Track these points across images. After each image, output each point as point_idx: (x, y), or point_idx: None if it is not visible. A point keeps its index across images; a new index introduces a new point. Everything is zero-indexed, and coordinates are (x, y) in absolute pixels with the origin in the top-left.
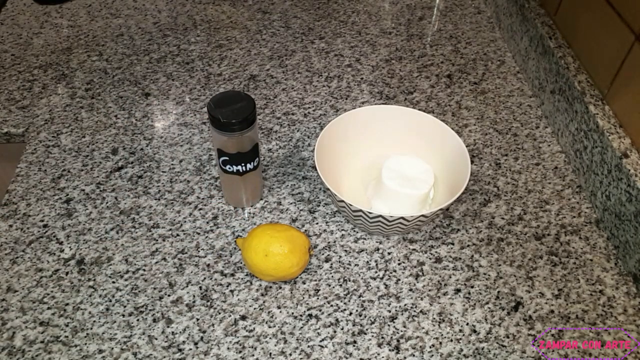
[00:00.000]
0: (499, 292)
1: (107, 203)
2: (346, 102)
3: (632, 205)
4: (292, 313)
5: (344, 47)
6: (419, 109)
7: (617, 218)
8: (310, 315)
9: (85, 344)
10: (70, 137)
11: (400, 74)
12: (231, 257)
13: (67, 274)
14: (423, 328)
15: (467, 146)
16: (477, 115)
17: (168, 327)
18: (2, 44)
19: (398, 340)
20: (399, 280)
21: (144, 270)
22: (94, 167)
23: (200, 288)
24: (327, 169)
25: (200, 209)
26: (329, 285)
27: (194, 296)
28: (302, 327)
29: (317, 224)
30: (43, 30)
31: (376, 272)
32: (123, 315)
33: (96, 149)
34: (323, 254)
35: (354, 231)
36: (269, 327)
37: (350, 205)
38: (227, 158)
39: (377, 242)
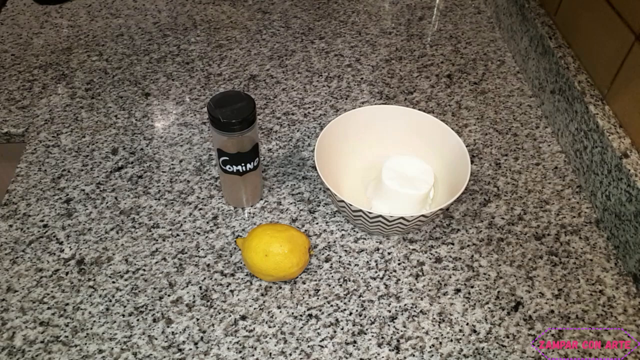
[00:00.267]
0: (499, 292)
1: (107, 203)
2: (346, 102)
3: (632, 205)
4: (292, 313)
5: (344, 47)
6: (419, 109)
7: (617, 218)
8: (310, 315)
9: (85, 344)
10: (70, 137)
11: (400, 74)
12: (231, 257)
13: (67, 274)
14: (423, 328)
15: (467, 146)
16: (477, 115)
17: (168, 327)
18: (2, 44)
19: (398, 340)
20: (399, 280)
21: (144, 270)
22: (94, 167)
23: (200, 288)
24: (327, 169)
25: (200, 209)
26: (329, 285)
27: (194, 296)
28: (302, 327)
29: (317, 224)
30: (43, 30)
31: (376, 272)
32: (123, 315)
33: (96, 149)
34: (323, 254)
35: (354, 231)
36: (269, 327)
37: (350, 205)
38: (227, 158)
39: (377, 242)
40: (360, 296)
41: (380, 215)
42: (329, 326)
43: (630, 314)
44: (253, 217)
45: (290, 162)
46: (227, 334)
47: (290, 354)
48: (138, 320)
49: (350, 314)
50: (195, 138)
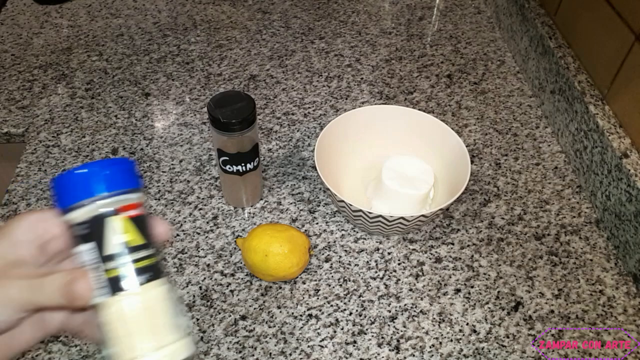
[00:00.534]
0: (499, 292)
1: None
2: (346, 102)
3: (632, 205)
4: (292, 313)
5: (344, 47)
6: (419, 109)
7: (617, 218)
8: (310, 315)
9: (85, 344)
10: (70, 137)
11: (400, 74)
12: (231, 257)
13: None
14: (423, 328)
15: (467, 146)
16: (477, 115)
17: None
18: (2, 44)
19: (398, 340)
20: (399, 280)
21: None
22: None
23: (200, 288)
24: (327, 169)
25: (200, 209)
26: (329, 285)
27: (194, 296)
28: (302, 327)
29: (317, 224)
30: (43, 30)
31: (376, 272)
32: None
33: (96, 149)
34: (323, 254)
35: (354, 231)
36: (269, 327)
37: (350, 205)
38: (227, 158)
39: (377, 242)
40: (360, 296)
41: (380, 215)
42: (329, 326)
43: (630, 314)
44: (253, 217)
45: (290, 162)
46: (227, 334)
47: (290, 354)
48: None
49: (350, 314)
50: (195, 138)
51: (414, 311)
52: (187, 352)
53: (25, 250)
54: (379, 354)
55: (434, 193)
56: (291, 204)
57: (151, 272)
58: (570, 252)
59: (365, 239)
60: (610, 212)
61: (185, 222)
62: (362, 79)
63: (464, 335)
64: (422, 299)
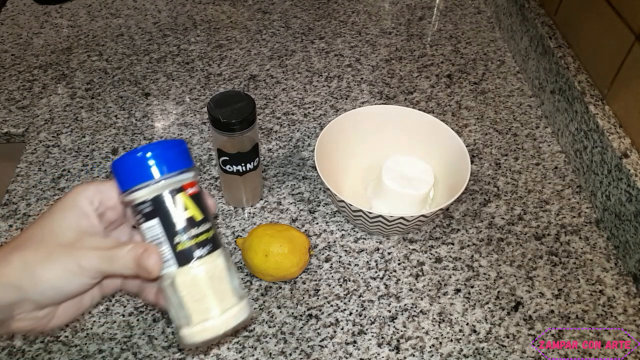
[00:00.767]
0: (499, 292)
1: None
2: (346, 102)
3: (632, 205)
4: (292, 313)
5: (344, 47)
6: (419, 109)
7: (617, 218)
8: (310, 315)
9: (85, 344)
10: (70, 137)
11: (400, 74)
12: (231, 257)
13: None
14: (423, 328)
15: (467, 146)
16: (477, 115)
17: (168, 327)
18: (2, 44)
19: (398, 340)
20: (399, 280)
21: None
22: (94, 167)
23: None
24: (327, 169)
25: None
26: (329, 285)
27: None
28: (302, 327)
29: (317, 224)
30: (43, 30)
31: (376, 272)
32: (123, 315)
33: (96, 149)
34: (323, 254)
35: (354, 231)
36: (269, 327)
37: (350, 205)
38: (227, 158)
39: (377, 242)
40: (360, 296)
41: (380, 215)
42: (329, 326)
43: (630, 314)
44: (253, 217)
45: (290, 162)
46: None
47: (290, 354)
48: (138, 320)
49: (350, 314)
50: (195, 138)
51: (414, 311)
52: (247, 313)
53: (92, 221)
54: (379, 354)
55: (434, 193)
56: (291, 204)
57: (211, 243)
58: (570, 252)
59: (365, 239)
60: (610, 212)
61: None
62: (362, 79)
63: (464, 335)
64: (422, 299)
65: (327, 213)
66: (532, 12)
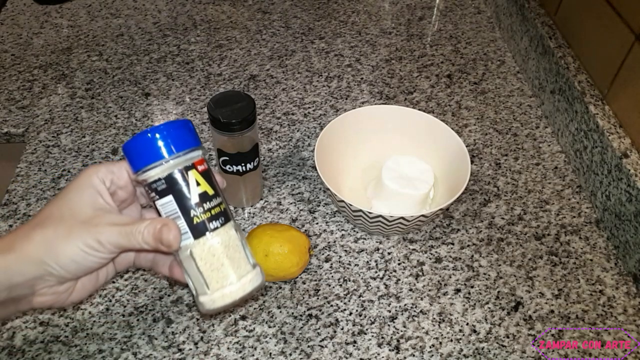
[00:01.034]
0: (499, 292)
1: None
2: (346, 102)
3: (632, 205)
4: (292, 313)
5: (344, 47)
6: (419, 109)
7: (617, 218)
8: (310, 315)
9: (85, 344)
10: (70, 137)
11: (400, 74)
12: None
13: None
14: (423, 328)
15: (467, 146)
16: (477, 115)
17: (168, 327)
18: (2, 44)
19: (398, 340)
20: (399, 280)
21: (144, 270)
22: None
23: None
24: (327, 169)
25: None
26: (329, 285)
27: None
28: (302, 327)
29: (317, 224)
30: (43, 30)
31: (376, 272)
32: (123, 315)
33: (96, 149)
34: (323, 254)
35: (354, 231)
36: (269, 327)
37: (350, 205)
38: (227, 158)
39: (377, 242)
40: (360, 296)
41: (380, 215)
42: (329, 326)
43: (630, 314)
44: (253, 217)
45: (290, 162)
46: (227, 334)
47: (290, 354)
48: (138, 320)
49: (350, 314)
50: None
51: (414, 311)
52: (261, 278)
53: (106, 199)
54: (379, 354)
55: (434, 193)
56: (291, 204)
57: (223, 216)
58: (570, 252)
59: (365, 239)
60: (610, 212)
61: None
62: (362, 79)
63: (464, 335)
64: (422, 299)
65: (327, 213)
66: (532, 12)
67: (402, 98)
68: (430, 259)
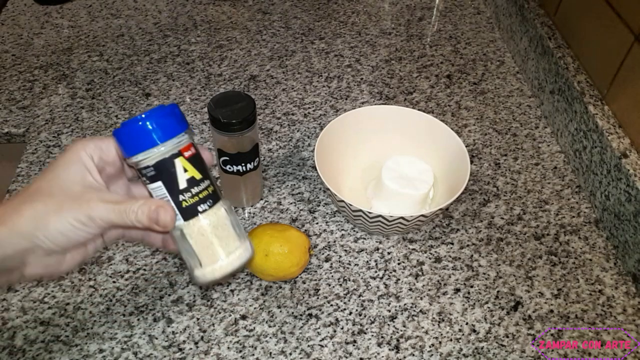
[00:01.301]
0: (498, 291)
1: None
2: (346, 102)
3: (632, 205)
4: (292, 313)
5: (344, 47)
6: (419, 109)
7: (617, 218)
8: (310, 315)
9: (86, 343)
10: (71, 137)
11: (400, 74)
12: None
13: (67, 273)
14: (423, 327)
15: (466, 146)
16: (477, 115)
17: (168, 326)
18: (2, 44)
19: (398, 340)
20: (399, 280)
21: (145, 269)
22: None
23: (200, 288)
24: (327, 169)
25: None
26: (329, 285)
27: (194, 296)
28: (302, 327)
29: (317, 224)
30: (44, 30)
31: (376, 271)
32: (123, 315)
33: None
34: (323, 254)
35: (354, 231)
36: (269, 326)
37: (350, 205)
38: (227, 158)
39: (377, 242)
40: (360, 296)
41: (380, 215)
42: (329, 326)
43: (629, 313)
44: (253, 217)
45: (290, 162)
46: (228, 334)
47: (290, 354)
48: (138, 319)
49: (350, 313)
50: (195, 138)
51: (414, 311)
52: (249, 252)
53: (95, 176)
54: (378, 354)
55: (434, 193)
56: (291, 204)
57: (212, 198)
58: (570, 252)
59: (365, 238)
60: (610, 212)
61: None
62: (362, 79)
63: (463, 334)
64: (421, 298)
65: (327, 213)
66: (532, 12)
67: (402, 98)
68: (430, 258)
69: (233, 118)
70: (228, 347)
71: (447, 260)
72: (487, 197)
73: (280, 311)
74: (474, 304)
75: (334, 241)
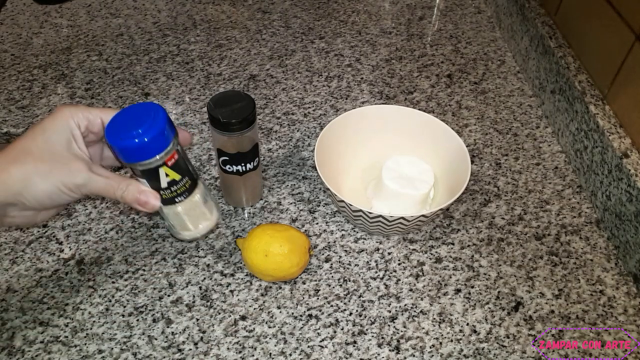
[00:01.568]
0: (499, 292)
1: (106, 203)
2: (346, 102)
3: (633, 205)
4: (292, 313)
5: (344, 46)
6: (419, 109)
7: (618, 218)
8: (310, 316)
9: (85, 344)
10: None
11: (400, 74)
12: (231, 257)
13: (66, 274)
14: (423, 328)
15: (467, 146)
16: (477, 115)
17: (168, 327)
18: (1, 43)
19: (398, 341)
20: (399, 280)
21: (144, 270)
22: None
23: (200, 288)
24: (327, 169)
25: None
26: (329, 286)
27: (193, 296)
28: (302, 327)
29: (317, 224)
30: (43, 30)
31: (376, 272)
32: (123, 316)
33: None
34: (323, 254)
35: (354, 231)
36: (269, 327)
37: (350, 205)
38: (227, 158)
39: (377, 242)
40: (360, 296)
41: (380, 215)
42: (329, 326)
43: (630, 314)
44: (253, 217)
45: (290, 162)
46: (227, 334)
47: (290, 354)
48: (138, 320)
49: (350, 314)
50: (195, 138)
51: (414, 311)
52: (213, 222)
53: (81, 146)
54: (379, 354)
55: (434, 193)
56: (291, 204)
57: (187, 192)
58: (571, 252)
59: (365, 239)
60: (611, 212)
61: None
62: (362, 78)
63: (464, 335)
64: (422, 299)
65: (327, 213)
66: (533, 12)
67: (402, 98)
68: (430, 259)
69: (233, 118)
70: (228, 348)
71: (448, 260)
72: (488, 197)
73: (280, 312)
74: (475, 304)
75: (334, 241)
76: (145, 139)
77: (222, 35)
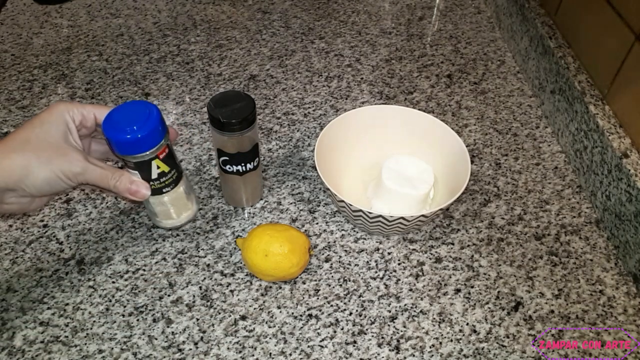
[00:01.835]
0: (499, 292)
1: (107, 203)
2: (346, 102)
3: (632, 205)
4: (292, 313)
5: (344, 47)
6: (419, 109)
7: (617, 218)
8: (310, 315)
9: (85, 344)
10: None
11: (400, 74)
12: (231, 257)
13: (67, 274)
14: (423, 328)
15: (467, 146)
16: (477, 115)
17: (168, 327)
18: (2, 44)
19: (398, 341)
20: (399, 280)
21: (144, 270)
22: None
23: (200, 288)
24: (327, 169)
25: (200, 209)
26: (329, 285)
27: (194, 296)
28: (302, 327)
29: (317, 224)
30: (43, 30)
31: (376, 272)
32: (123, 315)
33: None
34: (323, 254)
35: (354, 231)
36: (269, 327)
37: (350, 205)
38: (227, 158)
39: (377, 242)
40: (360, 296)
41: (380, 215)
42: (329, 326)
43: (630, 314)
44: (253, 217)
45: (290, 162)
46: (227, 334)
47: (290, 354)
48: (138, 320)
49: (350, 314)
50: (195, 138)
51: (414, 311)
52: (193, 213)
53: (75, 139)
54: (379, 354)
55: (434, 193)
56: (291, 204)
57: (174, 183)
58: (571, 252)
59: (365, 239)
60: (611, 212)
61: None
62: (362, 79)
63: (464, 335)
64: (422, 299)
65: (327, 213)
66: (532, 12)
67: (402, 98)
68: (430, 259)
69: (233, 118)
70: (228, 348)
71: (448, 260)
72: (488, 197)
73: (280, 311)
74: (475, 304)
75: (334, 241)
76: (143, 134)
77: (222, 36)
